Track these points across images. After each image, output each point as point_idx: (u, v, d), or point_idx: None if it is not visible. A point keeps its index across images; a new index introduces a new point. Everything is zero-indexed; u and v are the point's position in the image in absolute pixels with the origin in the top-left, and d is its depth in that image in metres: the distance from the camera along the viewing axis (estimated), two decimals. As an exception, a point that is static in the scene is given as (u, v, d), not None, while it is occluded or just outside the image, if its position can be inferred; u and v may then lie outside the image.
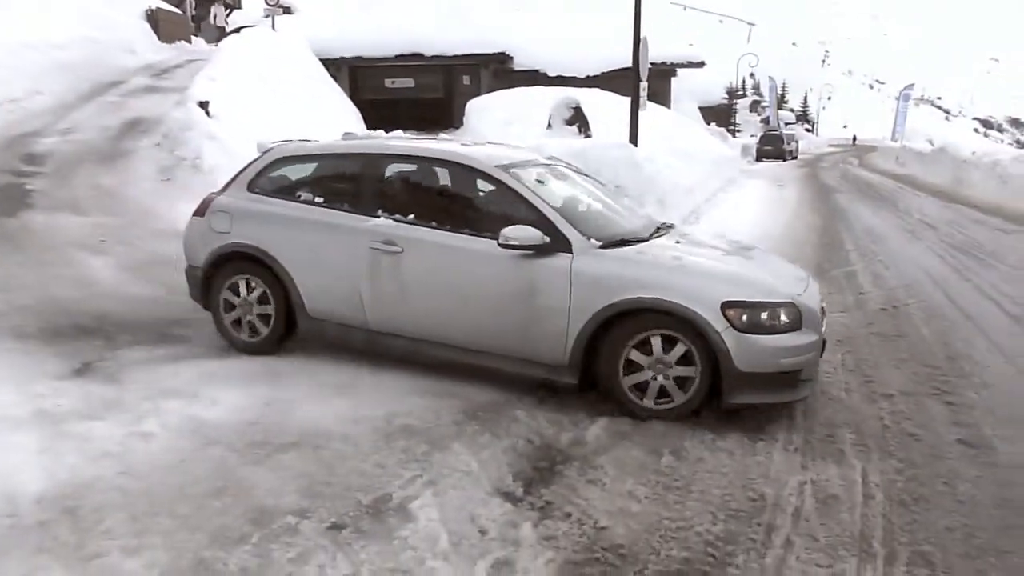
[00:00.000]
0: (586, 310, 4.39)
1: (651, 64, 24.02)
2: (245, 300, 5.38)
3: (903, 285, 8.21)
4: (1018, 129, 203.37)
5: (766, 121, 64.03)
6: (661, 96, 25.85)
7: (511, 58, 26.10)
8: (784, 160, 42.73)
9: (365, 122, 20.23)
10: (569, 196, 5.15)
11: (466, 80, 26.18)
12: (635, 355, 4.36)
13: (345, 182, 5.32)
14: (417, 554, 3.06)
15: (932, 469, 3.91)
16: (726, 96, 63.73)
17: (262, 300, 5.33)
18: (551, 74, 24.74)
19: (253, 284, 5.34)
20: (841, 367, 5.46)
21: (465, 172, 5.05)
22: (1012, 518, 3.45)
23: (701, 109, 51.06)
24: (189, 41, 24.67)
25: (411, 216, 4.91)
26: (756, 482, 3.73)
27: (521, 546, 3.14)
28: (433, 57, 26.03)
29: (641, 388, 4.39)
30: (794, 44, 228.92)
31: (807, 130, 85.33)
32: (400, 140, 5.62)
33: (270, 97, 14.43)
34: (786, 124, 65.20)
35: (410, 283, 4.83)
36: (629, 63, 12.54)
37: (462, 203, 5.15)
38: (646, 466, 3.87)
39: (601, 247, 4.54)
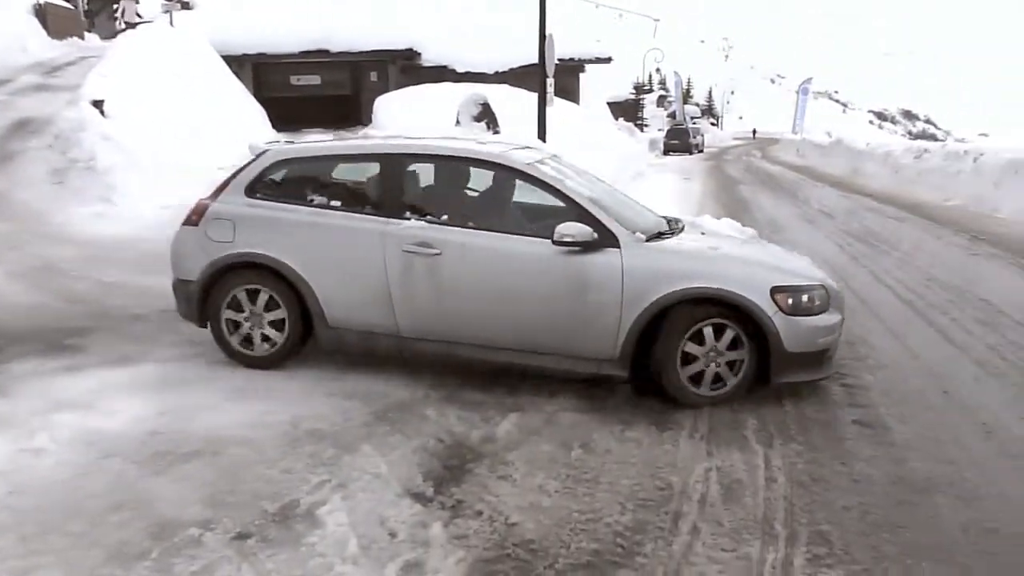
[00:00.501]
0: (639, 303, 4.46)
1: (559, 60, 24.15)
2: (252, 312, 4.98)
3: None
4: (910, 121, 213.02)
5: (672, 116, 65.28)
6: (570, 92, 26.08)
7: (419, 54, 25.92)
8: (691, 153, 43.73)
9: (270, 120, 19.81)
10: (591, 192, 5.05)
11: (374, 76, 25.88)
12: (690, 346, 4.51)
13: (363, 184, 5.15)
14: (326, 560, 3.01)
15: (831, 451, 4.06)
16: (633, 91, 64.89)
17: (269, 308, 4.96)
18: (460, 70, 24.66)
19: (259, 294, 4.96)
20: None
21: (500, 171, 5.01)
22: (905, 495, 3.61)
23: (610, 104, 51.77)
24: (82, 37, 23.66)
25: (444, 217, 4.80)
26: (664, 471, 3.80)
27: (431, 546, 3.12)
28: (339, 53, 25.64)
29: (695, 378, 4.54)
30: (702, 42, 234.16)
31: (712, 124, 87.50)
32: (417, 140, 5.46)
33: (168, 96, 13.98)
34: (692, 118, 66.56)
35: (450, 285, 4.68)
36: (537, 59, 12.62)
37: (498, 202, 5.11)
38: (556, 460, 3.90)
39: (647, 240, 4.66)
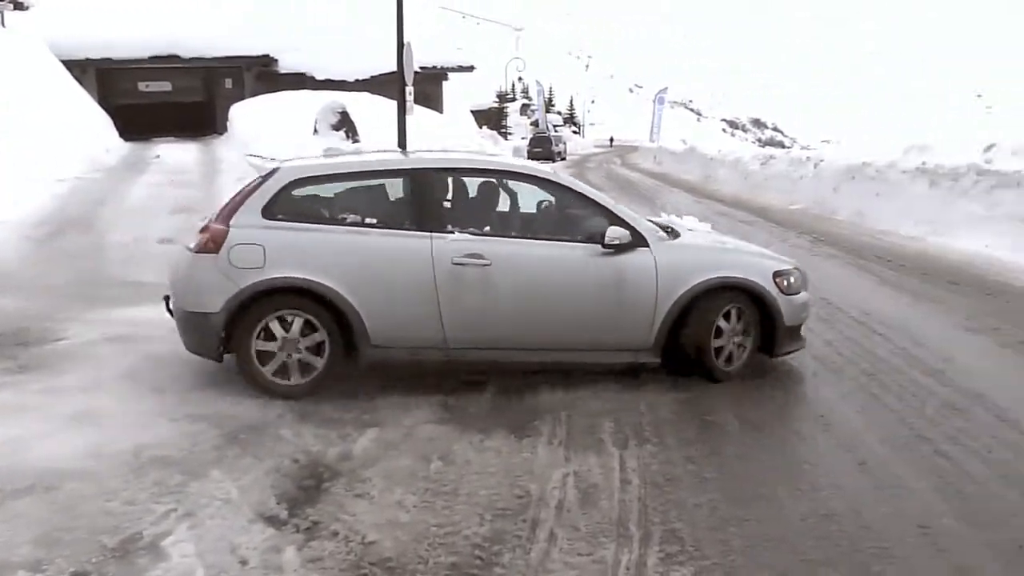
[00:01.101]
0: (671, 295, 5.00)
1: (422, 68, 24.12)
2: (286, 339, 4.70)
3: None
4: (759, 129, 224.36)
5: (535, 124, 66.38)
6: (433, 100, 26.09)
7: (276, 61, 25.30)
8: (554, 161, 44.50)
9: (118, 129, 18.88)
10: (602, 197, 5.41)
11: (228, 83, 25.04)
12: (721, 324, 5.11)
13: (396, 200, 5.13)
14: (169, 594, 2.86)
15: (683, 451, 4.20)
16: (497, 100, 65.50)
17: (304, 333, 4.72)
18: (319, 77, 24.20)
19: (290, 320, 4.70)
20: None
21: (534, 183, 5.28)
22: (750, 489, 3.77)
23: (473, 113, 51.86)
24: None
25: (486, 228, 5.01)
26: (522, 479, 3.83)
27: (284, 572, 3.03)
28: (192, 59, 24.72)
29: (716, 355, 5.14)
30: (569, 53, 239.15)
31: (574, 132, 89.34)
32: (444, 154, 5.61)
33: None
34: (554, 127, 67.89)
35: (499, 293, 4.84)
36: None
37: (537, 212, 5.41)
38: (415, 474, 3.86)
39: (669, 239, 5.23)
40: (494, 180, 5.40)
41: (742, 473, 3.95)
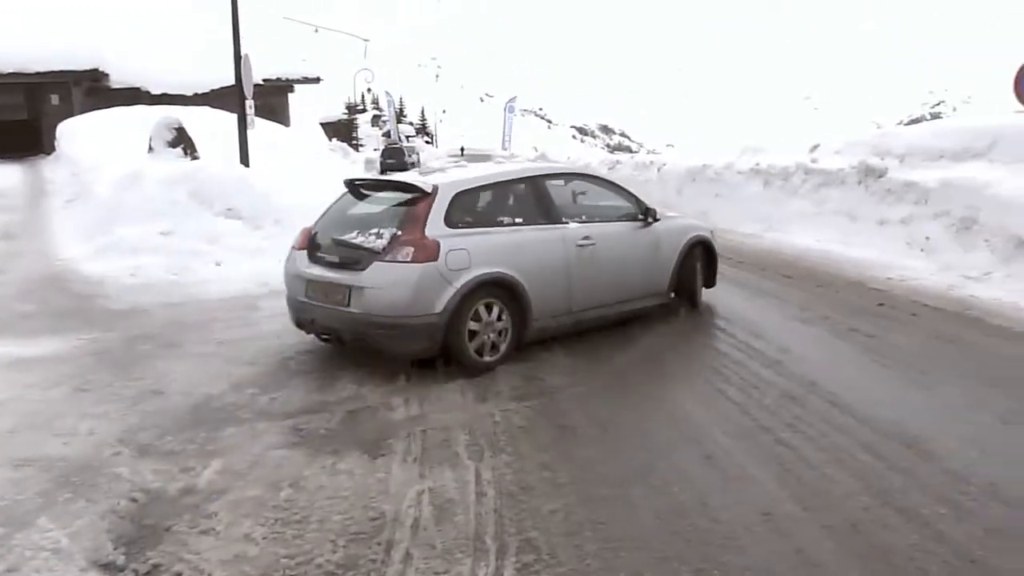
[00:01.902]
0: (676, 252, 7.22)
1: (265, 81, 23.52)
2: (486, 323, 5.70)
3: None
4: (607, 135, 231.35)
5: (388, 135, 65.78)
6: (278, 113, 25.41)
7: (107, 75, 23.91)
8: (407, 170, 44.29)
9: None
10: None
11: (55, 100, 23.45)
12: (698, 266, 7.43)
13: (526, 202, 6.35)
14: (-13, 660, 2.63)
15: (536, 458, 4.22)
16: (347, 111, 64.63)
17: (499, 318, 5.78)
18: (155, 92, 23.05)
19: (493, 307, 5.74)
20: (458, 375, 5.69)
21: (592, 180, 7.26)
22: (604, 491, 3.83)
23: (323, 125, 50.98)
24: None
25: (583, 217, 6.60)
26: (376, 500, 3.75)
27: (120, 622, 2.84)
28: (11, 74, 22.99)
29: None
30: (419, 64, 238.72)
31: (427, 142, 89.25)
32: (546, 164, 8.23)
33: None
34: (407, 137, 67.56)
35: (602, 265, 6.44)
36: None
37: (598, 201, 7.08)
38: (264, 504, 3.72)
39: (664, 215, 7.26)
40: (574, 181, 7.15)
41: (596, 475, 4.01)
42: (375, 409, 4.94)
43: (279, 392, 5.25)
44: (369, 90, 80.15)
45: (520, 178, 6.49)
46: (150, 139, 12.15)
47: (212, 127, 14.29)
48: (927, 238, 9.52)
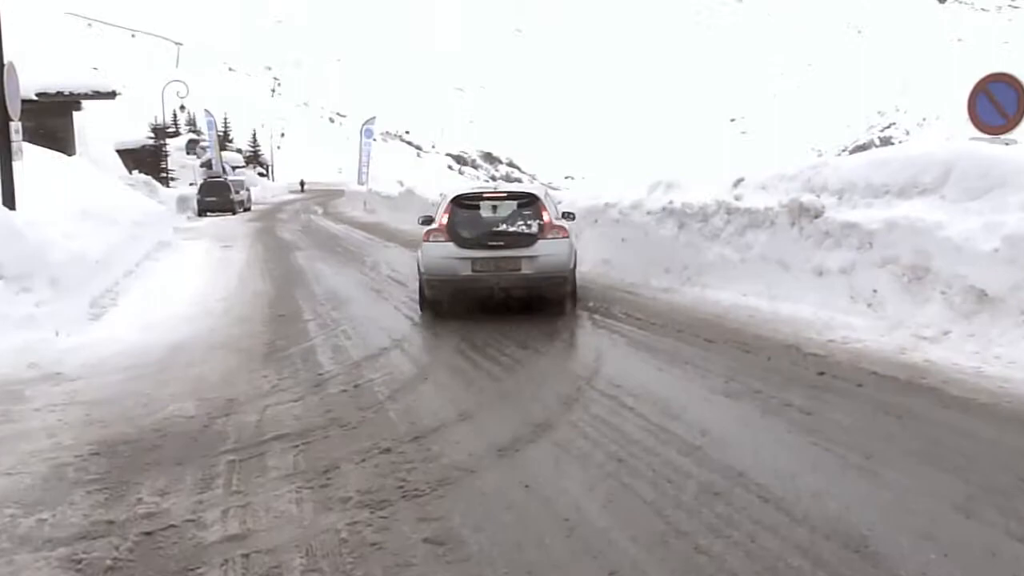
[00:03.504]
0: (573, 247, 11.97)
1: (42, 95, 22.93)
2: None
3: (368, 356, 8.82)
4: (492, 164, 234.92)
5: (208, 165, 64.90)
6: (61, 137, 24.79)
7: None
8: (234, 213, 43.82)
9: None
10: None
11: None
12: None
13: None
14: None
15: (394, 583, 4.16)
16: (153, 135, 63.38)
17: None
18: None
19: None
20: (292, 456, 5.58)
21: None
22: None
23: (121, 152, 50.10)
24: None
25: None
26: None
27: None
28: None
29: None
30: (249, 75, 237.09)
31: (261, 175, 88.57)
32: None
33: None
34: (234, 168, 66.83)
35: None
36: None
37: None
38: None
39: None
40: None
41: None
42: (181, 528, 4.77)
43: (50, 511, 5.02)
44: (183, 107, 79.02)
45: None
46: None
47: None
48: (874, 291, 9.95)
